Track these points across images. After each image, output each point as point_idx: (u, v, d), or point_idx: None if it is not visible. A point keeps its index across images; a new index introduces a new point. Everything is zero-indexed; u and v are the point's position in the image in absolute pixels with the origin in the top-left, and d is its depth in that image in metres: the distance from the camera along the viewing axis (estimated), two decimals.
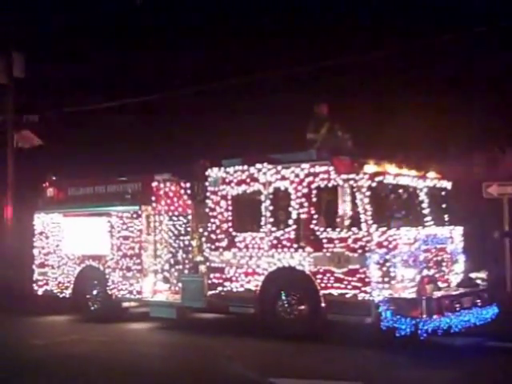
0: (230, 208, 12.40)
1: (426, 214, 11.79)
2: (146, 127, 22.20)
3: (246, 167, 12.24)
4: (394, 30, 17.73)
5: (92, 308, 14.33)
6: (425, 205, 11.82)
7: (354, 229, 10.86)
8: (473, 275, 11.61)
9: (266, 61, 19.03)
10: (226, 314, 12.87)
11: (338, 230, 11.04)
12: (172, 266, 13.57)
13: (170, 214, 13.85)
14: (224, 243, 12.36)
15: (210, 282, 12.45)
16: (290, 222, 11.61)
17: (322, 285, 11.13)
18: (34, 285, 15.39)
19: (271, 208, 11.90)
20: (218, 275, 12.35)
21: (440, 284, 11.12)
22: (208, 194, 12.64)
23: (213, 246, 12.49)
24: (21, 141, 21.82)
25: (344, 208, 11.00)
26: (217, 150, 15.71)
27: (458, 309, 10.58)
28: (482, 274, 11.52)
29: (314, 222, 11.40)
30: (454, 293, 11.09)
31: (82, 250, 14.56)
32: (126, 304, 14.11)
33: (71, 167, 17.42)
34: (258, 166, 12.06)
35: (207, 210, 12.63)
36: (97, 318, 14.06)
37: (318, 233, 11.31)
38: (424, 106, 16.92)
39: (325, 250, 11.15)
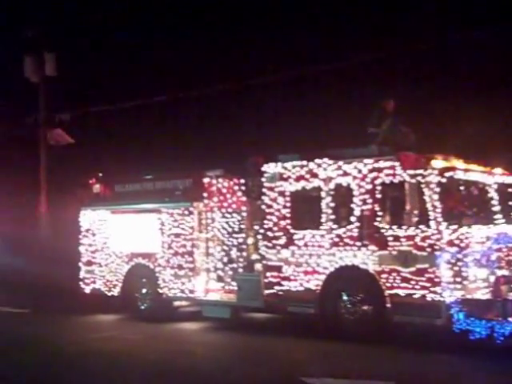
0: (288, 205, 12.00)
1: (497, 211, 11.31)
2: (194, 124, 21.96)
3: (304, 162, 11.85)
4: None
5: (141, 307, 14.04)
6: (495, 202, 11.34)
7: (422, 226, 10.42)
8: None
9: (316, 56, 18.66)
10: (283, 314, 12.43)
11: (404, 227, 10.62)
12: (225, 265, 13.21)
13: (223, 210, 13.48)
14: (281, 241, 11.96)
15: (266, 280, 12.07)
16: (353, 219, 11.19)
17: (388, 284, 10.71)
18: (81, 283, 15.13)
19: (332, 205, 11.48)
20: (275, 274, 11.97)
21: None
22: (264, 190, 12.26)
23: (270, 244, 12.10)
24: (53, 139, 21.80)
25: (411, 205, 10.56)
26: (266, 147, 15.35)
27: None
28: None
29: (378, 219, 10.97)
30: None
31: (131, 247, 14.25)
32: (177, 303, 13.80)
33: (116, 165, 17.20)
34: (318, 161, 11.67)
35: (263, 206, 12.25)
36: (146, 316, 13.77)
37: (382, 230, 10.88)
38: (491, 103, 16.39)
39: (390, 249, 10.73)
